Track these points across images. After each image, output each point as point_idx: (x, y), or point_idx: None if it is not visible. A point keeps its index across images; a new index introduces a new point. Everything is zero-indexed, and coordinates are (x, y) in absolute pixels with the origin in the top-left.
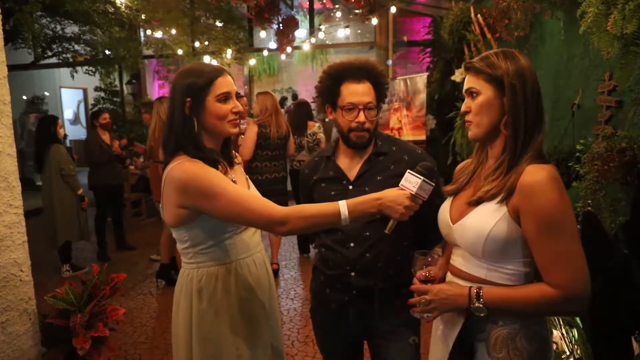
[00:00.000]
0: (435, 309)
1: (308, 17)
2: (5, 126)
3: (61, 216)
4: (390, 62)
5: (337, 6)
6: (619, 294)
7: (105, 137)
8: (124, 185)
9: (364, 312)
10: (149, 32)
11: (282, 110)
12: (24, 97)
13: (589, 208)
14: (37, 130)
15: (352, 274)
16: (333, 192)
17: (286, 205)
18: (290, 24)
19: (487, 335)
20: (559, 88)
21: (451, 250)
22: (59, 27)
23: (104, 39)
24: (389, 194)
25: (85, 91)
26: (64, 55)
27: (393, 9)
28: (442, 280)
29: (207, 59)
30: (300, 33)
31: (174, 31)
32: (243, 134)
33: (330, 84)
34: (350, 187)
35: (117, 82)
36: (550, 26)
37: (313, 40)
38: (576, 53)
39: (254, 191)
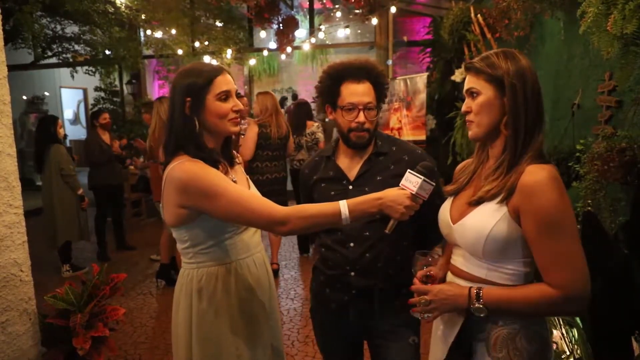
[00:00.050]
0: (436, 309)
1: (308, 17)
2: (5, 126)
3: (61, 216)
4: (390, 62)
5: (337, 6)
6: (619, 294)
7: (105, 137)
8: (124, 185)
9: (363, 312)
10: (149, 32)
11: (282, 110)
12: (24, 97)
13: (589, 208)
14: (37, 130)
15: (352, 273)
16: (333, 192)
17: (286, 205)
18: (290, 24)
19: (487, 335)
20: (559, 88)
21: (451, 250)
22: (59, 27)
23: (104, 39)
24: (390, 193)
25: (85, 91)
26: (64, 55)
27: (393, 9)
28: (443, 280)
29: (207, 59)
30: (300, 33)
31: (174, 31)
32: (243, 134)
33: (330, 84)
34: (350, 187)
35: (117, 82)
36: (550, 26)
37: (313, 40)
38: (576, 53)
39: (254, 191)
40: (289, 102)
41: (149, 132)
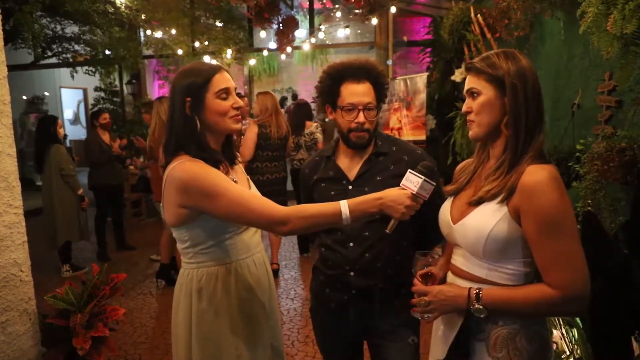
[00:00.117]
0: (435, 310)
1: (308, 17)
2: (5, 126)
3: (61, 216)
4: (390, 62)
5: (337, 6)
6: (619, 294)
7: (105, 137)
8: (124, 185)
9: (363, 312)
10: (149, 32)
11: (283, 110)
12: (24, 97)
13: (589, 208)
14: (37, 131)
15: (352, 273)
16: (333, 192)
17: (286, 205)
18: (290, 24)
19: (487, 335)
20: (559, 88)
21: (452, 250)
22: (59, 27)
23: (104, 39)
24: (390, 193)
25: (85, 91)
26: (64, 55)
27: (393, 9)
28: (443, 280)
29: (207, 59)
30: (300, 33)
31: (174, 31)
32: (243, 134)
33: (330, 84)
34: (350, 187)
35: (117, 82)
36: (550, 26)
37: (313, 40)
38: (576, 53)
39: (254, 191)
40: (289, 102)
41: (149, 132)
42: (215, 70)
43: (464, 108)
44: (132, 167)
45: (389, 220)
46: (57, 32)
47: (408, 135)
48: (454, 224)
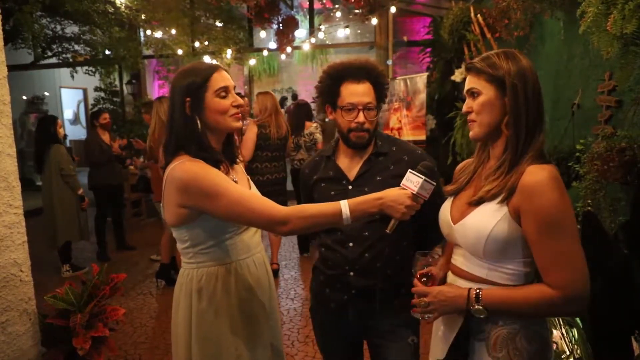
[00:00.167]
0: (435, 310)
1: (308, 17)
2: (5, 126)
3: (61, 216)
4: (390, 62)
5: (337, 6)
6: (619, 294)
7: (105, 137)
8: (124, 185)
9: (363, 311)
10: (148, 32)
11: (283, 111)
12: (24, 97)
13: (589, 208)
14: (37, 131)
15: (351, 273)
16: (333, 192)
17: (286, 205)
18: (290, 24)
19: (487, 335)
20: (559, 88)
21: (452, 249)
22: (59, 27)
23: (104, 39)
24: (391, 193)
25: (85, 91)
26: (64, 55)
27: (393, 9)
28: (443, 280)
29: (207, 59)
30: (300, 33)
31: (174, 31)
32: (243, 134)
33: (330, 84)
34: (350, 187)
35: (117, 82)
36: (550, 26)
37: (313, 40)
38: (576, 53)
39: (255, 191)
40: (289, 102)
41: (149, 133)
42: (213, 69)
43: (464, 108)
44: (132, 167)
45: (389, 220)
46: (57, 32)
47: (408, 135)
48: (454, 224)
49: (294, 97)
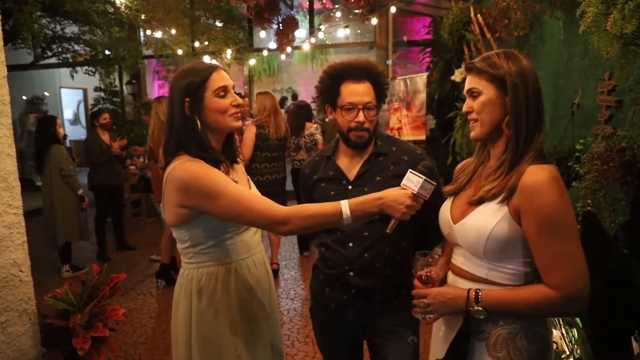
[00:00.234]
0: (435, 311)
1: (308, 17)
2: (4, 126)
3: (61, 216)
4: (390, 62)
5: (337, 6)
6: (619, 294)
7: (105, 137)
8: (124, 185)
9: (363, 311)
10: (148, 32)
11: (282, 111)
12: (24, 97)
13: (589, 208)
14: (37, 131)
15: (351, 273)
16: (333, 192)
17: (285, 206)
18: (290, 24)
19: (488, 335)
20: (558, 88)
21: (451, 249)
22: (58, 27)
23: (103, 39)
24: (391, 193)
25: (85, 91)
26: (64, 56)
27: (393, 9)
28: (444, 280)
29: (207, 59)
30: (300, 33)
31: (173, 31)
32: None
33: (330, 84)
34: (350, 187)
35: (117, 82)
36: (550, 26)
37: (313, 40)
38: (576, 53)
39: (255, 191)
40: (289, 102)
41: (148, 133)
42: (212, 69)
43: (465, 108)
44: (132, 167)
45: (389, 220)
46: (56, 32)
47: (408, 135)
48: (454, 224)
49: (294, 97)
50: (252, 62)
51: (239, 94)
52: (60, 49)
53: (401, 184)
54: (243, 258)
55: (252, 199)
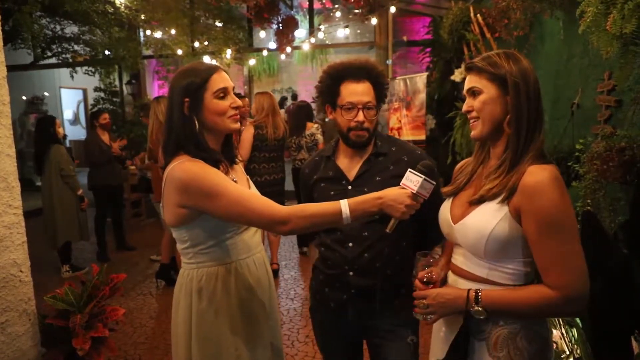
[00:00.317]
0: (435, 312)
1: (308, 17)
2: (4, 127)
3: (61, 216)
4: (390, 62)
5: (336, 6)
6: (619, 293)
7: (105, 137)
8: (124, 185)
9: (362, 311)
10: (148, 32)
11: (282, 111)
12: (24, 98)
13: (589, 208)
14: (36, 131)
15: (351, 273)
16: (332, 192)
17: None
18: (290, 24)
19: (488, 335)
20: (558, 88)
21: (451, 249)
22: (58, 27)
23: (103, 39)
24: (390, 193)
25: (85, 91)
26: (64, 56)
27: (393, 9)
28: (445, 280)
29: (207, 59)
30: (300, 33)
31: (173, 31)
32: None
33: (330, 84)
34: (350, 187)
35: (116, 83)
36: (549, 26)
37: (313, 40)
38: (576, 53)
39: (254, 191)
40: (289, 102)
41: (148, 133)
42: (212, 70)
43: (465, 107)
44: (132, 167)
45: (389, 220)
46: (56, 32)
47: (408, 135)
48: (454, 224)
49: (294, 97)
50: (252, 62)
51: (238, 95)
52: (60, 49)
53: (401, 184)
54: (243, 258)
55: (252, 198)
